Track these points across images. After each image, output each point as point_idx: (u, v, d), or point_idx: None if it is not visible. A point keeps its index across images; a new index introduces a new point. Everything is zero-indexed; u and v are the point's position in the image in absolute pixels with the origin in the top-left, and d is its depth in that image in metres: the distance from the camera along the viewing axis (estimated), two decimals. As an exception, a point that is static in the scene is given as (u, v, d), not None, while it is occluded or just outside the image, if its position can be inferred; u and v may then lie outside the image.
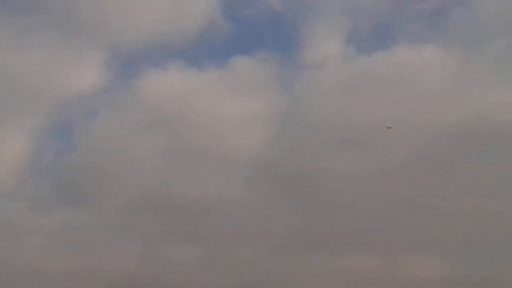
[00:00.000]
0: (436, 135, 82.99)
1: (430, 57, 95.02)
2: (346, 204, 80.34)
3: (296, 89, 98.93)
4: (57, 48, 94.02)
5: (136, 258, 78.00)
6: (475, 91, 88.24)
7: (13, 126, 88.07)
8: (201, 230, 79.25)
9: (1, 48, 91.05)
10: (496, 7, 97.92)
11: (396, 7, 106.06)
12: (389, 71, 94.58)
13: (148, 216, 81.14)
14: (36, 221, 79.65)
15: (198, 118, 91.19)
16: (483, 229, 72.86)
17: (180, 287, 73.87)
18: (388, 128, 77.73)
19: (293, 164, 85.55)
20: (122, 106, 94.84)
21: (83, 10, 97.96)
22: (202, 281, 74.33)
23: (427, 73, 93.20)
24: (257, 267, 75.72)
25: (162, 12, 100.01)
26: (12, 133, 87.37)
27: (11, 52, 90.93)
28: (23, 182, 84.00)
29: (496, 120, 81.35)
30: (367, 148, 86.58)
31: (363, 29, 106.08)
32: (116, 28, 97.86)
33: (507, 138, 79.08)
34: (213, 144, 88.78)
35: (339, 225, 77.95)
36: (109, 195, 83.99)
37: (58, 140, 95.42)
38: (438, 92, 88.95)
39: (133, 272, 75.16)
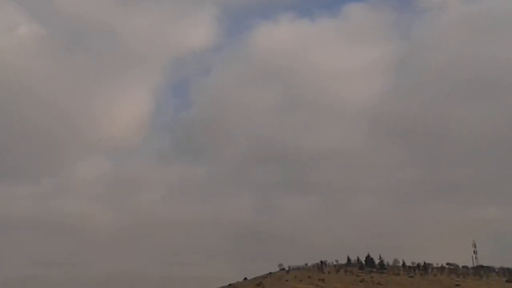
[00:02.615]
0: None
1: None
2: (469, 153, 76.58)
3: (414, 34, 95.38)
4: (169, 7, 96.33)
5: (252, 207, 79.48)
6: None
7: (134, 85, 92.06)
8: (316, 181, 79.05)
9: (116, 7, 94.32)
10: None
11: None
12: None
13: (263, 167, 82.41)
14: (157, 174, 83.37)
15: (312, 70, 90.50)
16: None
17: (296, 236, 74.14)
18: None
19: (413, 114, 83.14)
20: (235, 61, 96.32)
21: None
22: (317, 231, 74.23)
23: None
24: (375, 218, 74.53)
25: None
26: (133, 91, 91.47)
27: (125, 11, 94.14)
28: (146, 138, 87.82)
29: None
30: (495, 90, 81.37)
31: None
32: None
33: None
34: (328, 96, 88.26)
35: (461, 174, 74.97)
36: (225, 148, 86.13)
37: (175, 96, 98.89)
38: None
39: (249, 220, 76.82)
